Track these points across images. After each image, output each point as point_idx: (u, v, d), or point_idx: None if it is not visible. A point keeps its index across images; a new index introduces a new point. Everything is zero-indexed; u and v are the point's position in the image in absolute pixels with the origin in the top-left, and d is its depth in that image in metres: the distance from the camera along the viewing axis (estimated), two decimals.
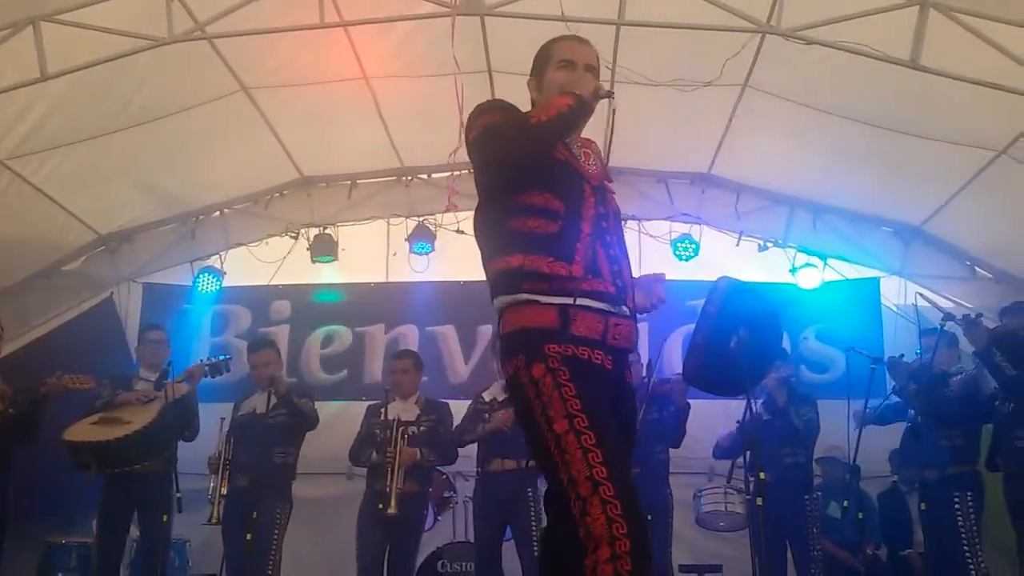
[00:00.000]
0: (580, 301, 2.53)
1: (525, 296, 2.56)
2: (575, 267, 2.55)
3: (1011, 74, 5.29)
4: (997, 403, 5.25)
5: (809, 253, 8.07)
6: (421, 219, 8.29)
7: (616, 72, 6.23)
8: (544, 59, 2.86)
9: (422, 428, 6.06)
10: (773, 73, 6.21)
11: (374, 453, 6.00)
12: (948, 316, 5.50)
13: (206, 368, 5.97)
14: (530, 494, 6.00)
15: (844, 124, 6.54)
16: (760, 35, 5.71)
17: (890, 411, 6.08)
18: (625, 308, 2.64)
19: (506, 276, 2.61)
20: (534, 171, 2.64)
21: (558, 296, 2.54)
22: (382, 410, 6.11)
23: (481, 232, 2.79)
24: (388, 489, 5.71)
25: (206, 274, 8.21)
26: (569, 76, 2.76)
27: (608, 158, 2.84)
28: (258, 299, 8.49)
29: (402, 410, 6.10)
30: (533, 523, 5.95)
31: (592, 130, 2.92)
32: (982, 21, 5.17)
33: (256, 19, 5.71)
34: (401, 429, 5.91)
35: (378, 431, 6.07)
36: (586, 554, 2.32)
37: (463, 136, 2.77)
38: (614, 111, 2.66)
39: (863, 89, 6.07)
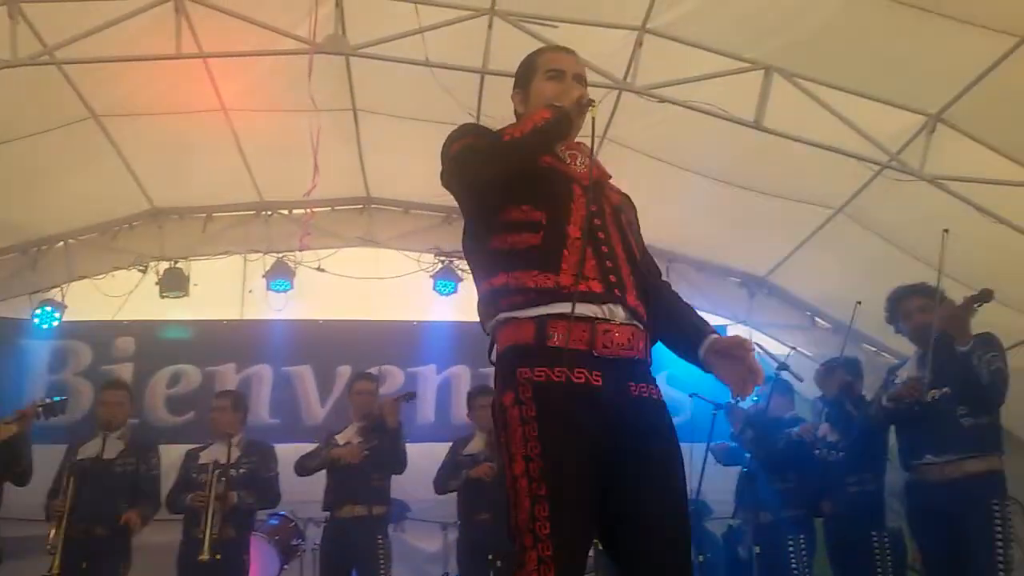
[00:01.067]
0: (563, 308, 2.30)
1: (504, 315, 2.40)
2: (563, 276, 2.35)
3: (846, 137, 5.67)
4: (818, 452, 5.53)
5: None
6: (280, 255, 8.13)
7: (480, 120, 6.33)
8: (529, 71, 2.72)
9: (241, 471, 5.80)
10: (630, 128, 6.43)
11: (188, 497, 5.72)
12: (782, 365, 5.77)
13: (39, 409, 5.60)
14: (380, 541, 5.90)
15: (695, 179, 6.84)
16: (617, 91, 5.92)
17: (733, 452, 6.30)
18: (620, 309, 2.39)
19: (492, 297, 2.45)
20: (514, 184, 2.47)
21: (537, 307, 2.35)
22: (201, 453, 5.91)
23: (469, 257, 2.64)
24: (202, 535, 5.46)
25: (45, 308, 7.77)
26: (558, 87, 2.61)
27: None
28: (101, 335, 8.09)
29: (220, 452, 5.82)
30: (382, 571, 5.84)
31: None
32: (821, 88, 5.54)
33: (109, 46, 5.51)
34: (218, 472, 5.66)
35: (195, 475, 5.83)
36: None
37: (440, 162, 2.59)
38: (594, 119, 2.51)
39: (712, 146, 6.36)
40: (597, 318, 2.35)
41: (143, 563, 5.88)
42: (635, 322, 2.41)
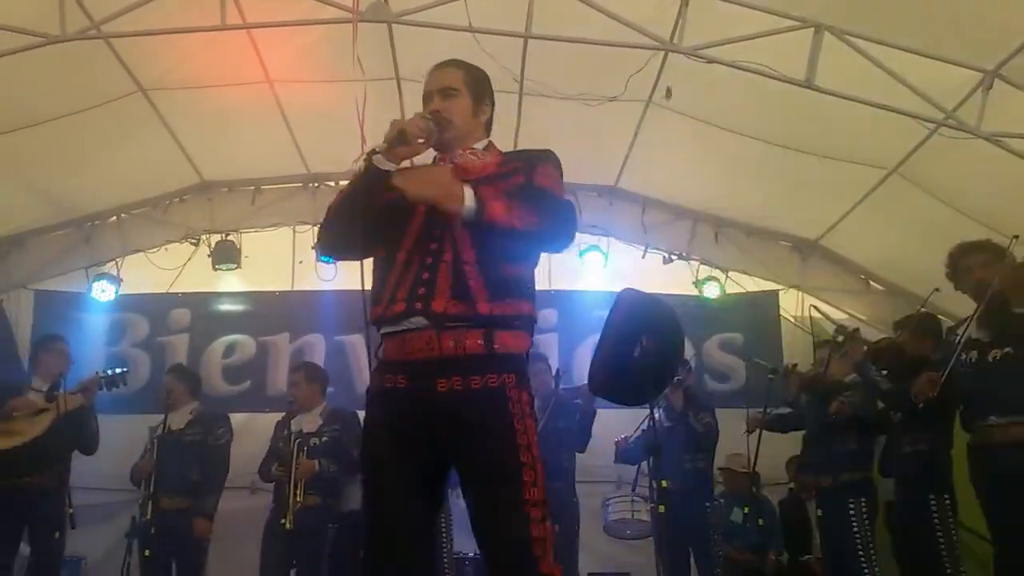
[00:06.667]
0: (387, 329, 2.61)
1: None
2: (380, 307, 2.61)
3: (900, 95, 5.52)
4: (891, 412, 5.42)
5: (711, 266, 8.26)
6: None
7: (524, 85, 6.29)
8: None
9: (324, 439, 5.94)
10: (676, 90, 6.31)
11: (274, 467, 5.91)
12: (840, 329, 5.65)
13: (101, 381, 5.75)
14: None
15: (743, 141, 6.71)
16: (663, 53, 5.82)
17: (787, 418, 6.24)
18: (421, 319, 2.54)
19: None
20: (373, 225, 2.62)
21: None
22: (290, 422, 6.01)
23: None
24: (287, 503, 5.60)
25: (102, 281, 7.93)
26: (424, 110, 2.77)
27: None
28: (156, 307, 8.23)
29: (305, 422, 5.99)
30: (443, 535, 5.97)
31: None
32: (873, 45, 5.38)
33: (154, 18, 5.54)
34: (299, 441, 5.80)
35: (281, 444, 5.96)
36: None
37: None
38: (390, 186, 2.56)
39: (761, 107, 6.24)
40: (403, 330, 2.57)
41: (234, 528, 6.33)
42: (443, 325, 2.52)
